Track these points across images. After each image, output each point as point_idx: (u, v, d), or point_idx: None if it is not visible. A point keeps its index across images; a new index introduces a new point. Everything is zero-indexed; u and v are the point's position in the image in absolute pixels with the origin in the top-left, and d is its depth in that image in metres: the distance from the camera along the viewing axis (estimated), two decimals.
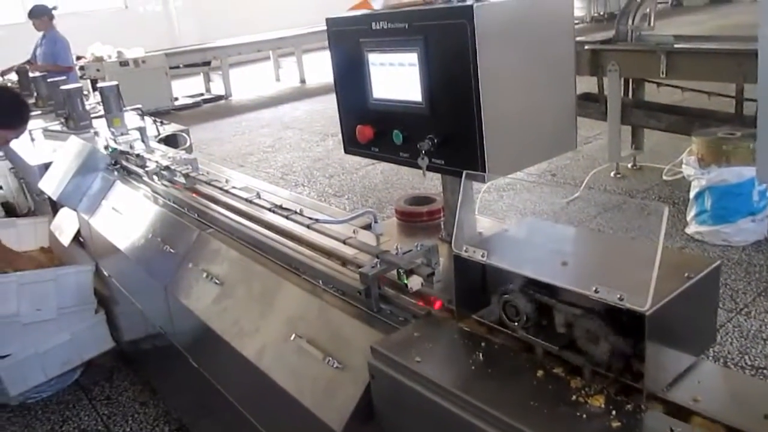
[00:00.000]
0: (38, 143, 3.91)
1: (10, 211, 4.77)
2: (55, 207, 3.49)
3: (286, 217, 1.90)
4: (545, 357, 1.22)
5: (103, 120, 3.68)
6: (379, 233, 1.78)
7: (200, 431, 2.69)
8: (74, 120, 3.94)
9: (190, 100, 11.42)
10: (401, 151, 1.63)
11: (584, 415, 1.07)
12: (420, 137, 1.53)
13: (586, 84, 5.36)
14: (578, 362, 1.16)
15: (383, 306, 1.57)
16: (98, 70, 9.55)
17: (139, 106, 3.97)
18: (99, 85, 3.93)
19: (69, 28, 8.09)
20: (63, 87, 4.17)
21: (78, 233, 3.24)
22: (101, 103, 3.79)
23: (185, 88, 12.02)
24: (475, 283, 1.37)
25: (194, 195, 2.53)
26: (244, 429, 1.85)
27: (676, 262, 1.17)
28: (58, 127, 4.06)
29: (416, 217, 1.96)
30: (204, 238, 2.24)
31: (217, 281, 2.03)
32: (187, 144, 3.65)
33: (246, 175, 3.24)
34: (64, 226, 3.34)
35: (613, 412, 1.07)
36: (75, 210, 3.12)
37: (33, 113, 4.02)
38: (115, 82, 3.75)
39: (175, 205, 2.58)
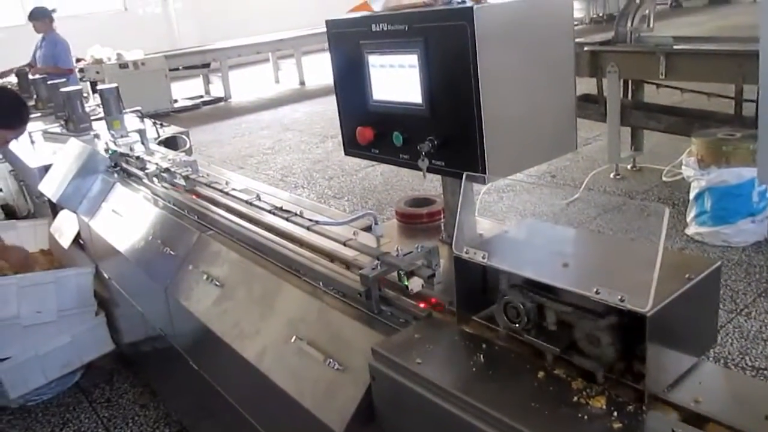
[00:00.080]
0: (38, 145, 3.91)
1: (10, 213, 4.77)
2: (55, 209, 3.49)
3: (287, 219, 1.91)
4: (546, 358, 1.22)
5: (103, 122, 3.69)
6: (379, 235, 1.78)
7: None
8: (74, 122, 3.94)
9: (189, 102, 11.41)
10: (401, 153, 1.64)
11: (585, 417, 1.07)
12: (420, 139, 1.53)
13: (586, 85, 5.36)
14: (579, 363, 1.16)
15: (384, 308, 1.57)
16: (98, 73, 9.54)
17: (139, 108, 3.97)
18: (99, 87, 3.93)
19: (69, 31, 8.09)
20: (63, 89, 4.18)
21: (78, 235, 3.23)
22: (101, 106, 3.80)
23: (185, 90, 12.02)
24: (476, 285, 1.37)
25: (194, 197, 2.53)
26: (245, 431, 1.85)
27: (677, 263, 1.17)
28: (58, 130, 4.06)
29: (416, 219, 1.97)
30: (204, 240, 2.24)
31: (217, 283, 2.03)
32: (187, 146, 3.65)
33: (246, 177, 3.25)
34: (64, 228, 3.34)
35: (615, 413, 1.07)
36: (75, 212, 3.12)
37: (33, 116, 4.02)
38: (114, 85, 3.75)
39: (175, 207, 2.58)
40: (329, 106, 9.44)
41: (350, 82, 1.71)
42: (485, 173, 1.44)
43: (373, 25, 1.58)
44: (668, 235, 4.21)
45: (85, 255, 3.19)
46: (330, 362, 1.48)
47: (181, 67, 11.58)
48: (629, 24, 5.12)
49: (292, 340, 1.61)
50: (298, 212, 1.90)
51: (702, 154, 4.10)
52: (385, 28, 1.55)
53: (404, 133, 1.60)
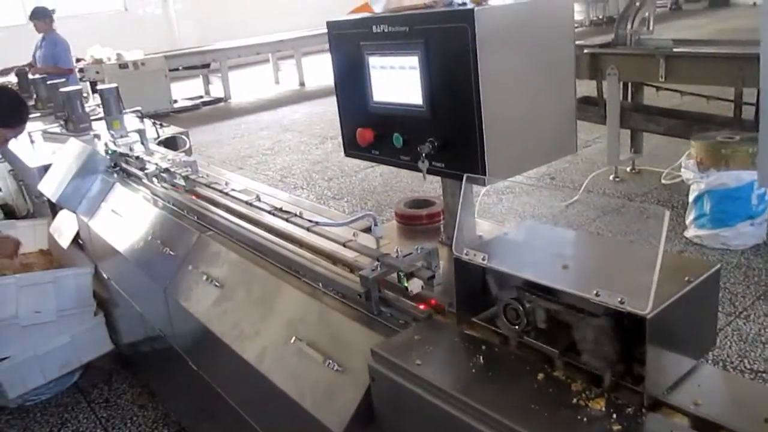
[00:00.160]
0: (38, 145, 3.90)
1: (9, 213, 4.77)
2: (54, 209, 3.49)
3: (286, 220, 1.91)
4: (546, 360, 1.22)
5: (103, 122, 3.69)
6: (379, 236, 1.78)
7: None
8: (74, 122, 3.94)
9: (189, 103, 11.41)
10: (401, 154, 1.64)
11: (585, 419, 1.07)
12: (420, 140, 1.53)
13: (586, 87, 5.37)
14: (578, 365, 1.16)
15: (383, 309, 1.57)
16: (98, 73, 9.54)
17: (139, 108, 3.97)
18: (99, 87, 3.93)
19: (69, 31, 8.09)
20: (62, 89, 4.17)
21: (77, 235, 3.23)
22: (101, 106, 3.80)
23: (184, 91, 12.03)
24: (476, 286, 1.37)
25: (194, 197, 2.53)
26: None
27: (676, 266, 1.18)
28: (58, 130, 4.06)
29: (416, 220, 1.97)
30: (204, 240, 2.24)
31: (216, 284, 2.03)
32: (187, 146, 3.65)
33: (245, 178, 3.24)
34: (64, 228, 3.34)
35: (614, 416, 1.07)
36: (74, 212, 3.12)
37: (32, 115, 4.03)
38: (114, 85, 3.75)
39: (175, 208, 2.58)
40: (329, 107, 9.45)
41: (351, 83, 1.71)
42: (485, 175, 1.44)
43: (374, 27, 1.58)
44: (667, 238, 4.18)
45: (85, 255, 3.19)
46: (329, 363, 1.48)
47: (180, 68, 11.58)
48: (629, 26, 5.13)
49: (292, 341, 1.61)
50: (297, 213, 1.90)
51: (701, 157, 4.10)
52: (386, 30, 1.56)
53: (404, 135, 1.60)
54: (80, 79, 8.70)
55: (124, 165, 3.06)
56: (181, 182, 2.57)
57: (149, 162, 2.81)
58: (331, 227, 1.81)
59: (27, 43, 7.93)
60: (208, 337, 1.93)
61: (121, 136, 3.43)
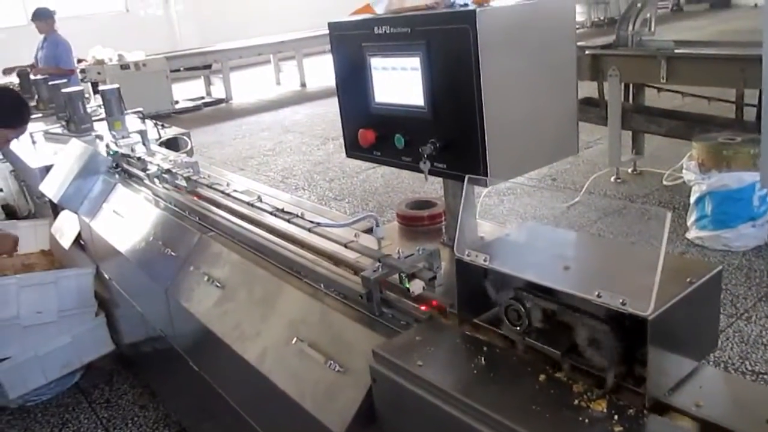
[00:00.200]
0: (39, 146, 3.91)
1: (11, 213, 4.77)
2: (55, 210, 3.50)
3: (288, 221, 1.91)
4: (547, 361, 1.22)
5: (104, 123, 3.69)
6: (380, 237, 1.78)
7: None
8: (75, 123, 3.94)
9: (190, 104, 11.43)
10: (403, 155, 1.64)
11: (586, 420, 1.07)
12: (422, 141, 1.53)
13: (587, 89, 5.37)
14: (580, 366, 1.16)
15: (385, 310, 1.57)
16: (99, 73, 9.55)
17: (140, 109, 3.98)
18: (100, 88, 3.93)
19: (70, 31, 8.10)
20: (64, 90, 4.18)
21: (79, 236, 3.24)
22: (102, 106, 3.80)
23: (186, 92, 12.04)
24: (477, 288, 1.37)
25: (195, 198, 2.53)
26: None
27: (678, 267, 1.18)
28: (59, 130, 4.07)
29: (417, 221, 1.97)
30: (205, 241, 2.24)
31: (218, 284, 2.03)
32: (188, 147, 3.66)
33: (247, 179, 3.25)
34: (65, 228, 3.34)
35: (615, 417, 1.07)
36: (76, 213, 3.12)
37: (34, 116, 4.03)
38: (116, 85, 3.75)
39: (176, 209, 2.59)
40: (330, 108, 9.45)
41: (352, 84, 1.71)
42: (487, 176, 1.44)
43: (376, 28, 1.58)
44: (669, 239, 4.17)
45: (86, 255, 3.19)
46: (331, 364, 1.48)
47: (182, 69, 11.60)
48: (630, 28, 5.13)
49: (293, 341, 1.62)
50: (299, 214, 1.90)
51: (703, 158, 4.10)
52: (388, 31, 1.56)
53: (406, 136, 1.60)
54: (81, 80, 8.71)
55: (125, 166, 3.06)
56: (183, 183, 2.57)
57: (151, 163, 2.81)
58: (333, 228, 1.81)
59: (28, 44, 7.94)
60: (210, 337, 1.93)
61: (123, 137, 3.44)
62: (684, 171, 4.32)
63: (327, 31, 1.73)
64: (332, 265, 1.80)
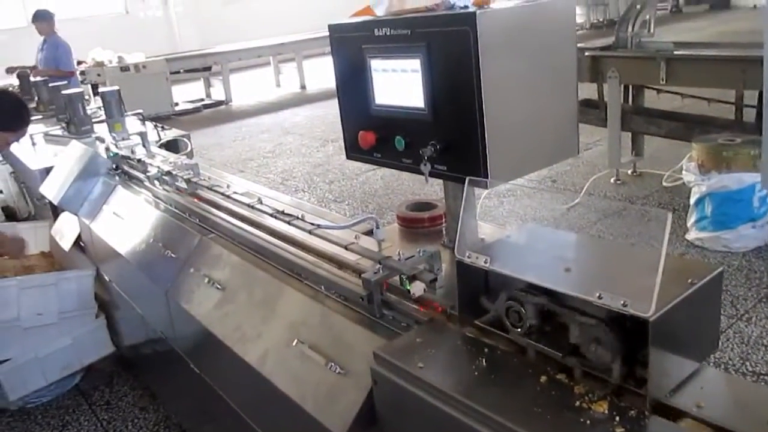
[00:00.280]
0: (39, 148, 3.91)
1: (11, 215, 4.77)
2: (55, 211, 3.50)
3: (288, 223, 1.91)
4: (548, 363, 1.22)
5: (104, 125, 3.69)
6: (380, 239, 1.78)
7: None
8: (75, 125, 3.94)
9: (190, 106, 11.43)
10: (403, 157, 1.64)
11: (588, 421, 1.07)
12: (422, 143, 1.53)
13: (586, 90, 5.37)
14: (581, 368, 1.16)
15: (386, 312, 1.57)
16: (99, 75, 9.56)
17: (140, 111, 3.98)
18: (100, 89, 3.94)
19: (70, 33, 8.12)
20: (64, 92, 4.18)
21: (79, 238, 3.24)
22: (102, 108, 3.80)
23: (186, 94, 12.04)
24: (478, 289, 1.37)
25: (195, 200, 2.53)
26: None
27: (679, 269, 1.18)
28: (59, 132, 4.07)
29: (418, 223, 1.97)
30: (205, 243, 2.24)
31: (218, 286, 2.03)
32: (188, 149, 3.66)
33: (247, 181, 3.25)
34: (65, 230, 3.34)
35: (617, 418, 1.07)
36: (76, 214, 3.12)
37: (34, 118, 4.02)
38: (116, 87, 3.76)
39: (177, 210, 2.59)
40: (330, 110, 9.46)
41: (352, 86, 1.71)
42: (488, 178, 1.44)
43: (376, 30, 1.58)
44: (668, 241, 4.18)
45: (86, 257, 3.19)
46: (331, 366, 1.48)
47: (182, 70, 11.61)
48: (630, 29, 5.14)
49: (294, 343, 1.61)
50: (299, 216, 1.90)
51: (702, 160, 4.11)
52: (388, 33, 1.56)
53: (406, 138, 1.60)
54: (81, 82, 8.71)
55: (125, 167, 3.06)
56: (183, 185, 2.57)
57: (151, 165, 2.81)
58: (333, 230, 1.81)
59: (28, 46, 7.95)
60: (210, 339, 1.93)
61: (123, 139, 3.44)
62: (684, 172, 4.32)
63: (327, 33, 1.73)
64: (333, 267, 1.79)
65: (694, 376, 1.17)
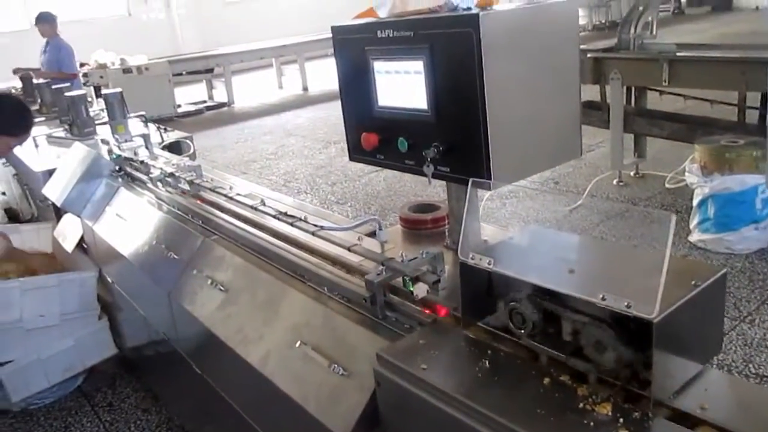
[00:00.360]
0: (42, 149, 3.92)
1: (13, 217, 4.78)
2: (58, 213, 3.50)
3: (291, 224, 1.91)
4: (552, 364, 1.22)
5: (107, 127, 3.70)
6: (383, 240, 1.78)
7: None
8: (78, 126, 3.95)
9: (193, 108, 11.45)
10: (406, 159, 1.64)
11: (591, 423, 1.07)
12: (425, 145, 1.53)
13: (589, 92, 5.37)
14: (585, 370, 1.16)
15: (389, 313, 1.57)
16: (102, 77, 9.58)
17: (143, 113, 3.98)
18: (103, 91, 3.94)
19: (73, 36, 8.13)
20: (67, 94, 4.18)
21: (81, 239, 3.24)
22: (105, 110, 3.80)
23: (188, 95, 12.06)
24: (481, 291, 1.37)
25: (198, 202, 2.54)
26: None
27: (682, 270, 1.17)
28: (62, 134, 4.08)
29: (421, 225, 1.97)
30: (208, 244, 2.25)
31: (221, 288, 2.03)
32: (191, 151, 3.66)
33: (249, 182, 3.25)
34: (68, 232, 3.35)
35: (621, 420, 1.07)
36: (79, 216, 3.12)
37: (37, 120, 4.03)
38: (119, 89, 3.76)
39: (179, 212, 2.59)
40: (332, 111, 9.47)
41: (355, 87, 1.71)
42: (491, 179, 1.44)
43: (379, 32, 1.58)
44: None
45: (89, 259, 3.20)
46: (334, 367, 1.48)
47: (184, 72, 11.63)
48: (632, 31, 5.13)
49: (297, 345, 1.61)
50: (302, 217, 1.90)
51: (705, 161, 4.10)
52: (391, 35, 1.56)
53: (409, 139, 1.60)
54: (84, 84, 8.73)
55: (128, 169, 3.06)
56: (186, 187, 2.58)
57: (154, 166, 2.82)
58: (336, 231, 1.81)
59: (31, 48, 7.97)
60: (213, 341, 1.93)
61: (126, 141, 3.44)
62: (686, 174, 4.31)
63: (329, 35, 1.74)
64: (335, 269, 1.80)
65: (697, 378, 1.17)
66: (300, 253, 1.93)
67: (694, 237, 4.22)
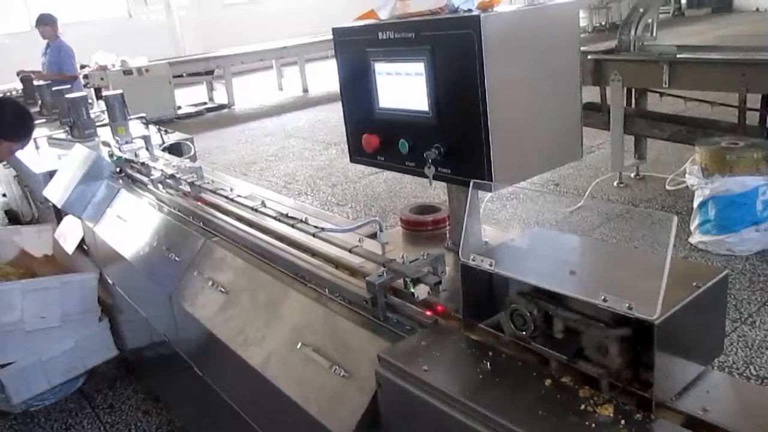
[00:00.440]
0: (43, 151, 3.92)
1: (14, 218, 4.79)
2: (59, 215, 3.50)
3: (292, 226, 1.91)
4: (553, 366, 1.22)
5: (108, 128, 3.70)
6: (384, 242, 1.78)
7: None
8: (79, 128, 3.95)
9: (193, 109, 11.46)
10: (407, 160, 1.64)
11: (593, 425, 1.07)
12: (426, 146, 1.54)
13: (589, 93, 5.37)
14: (587, 371, 1.16)
15: (390, 315, 1.57)
16: (102, 79, 9.59)
17: (143, 114, 3.99)
18: (104, 93, 3.95)
19: (73, 37, 8.14)
20: (68, 95, 4.19)
21: (82, 241, 3.24)
22: (106, 112, 3.81)
23: (188, 97, 12.07)
24: (482, 292, 1.37)
25: (199, 203, 2.53)
26: None
27: (683, 272, 1.17)
28: (63, 135, 4.08)
29: (422, 226, 1.97)
30: (209, 246, 2.25)
31: (222, 289, 2.03)
32: (192, 152, 3.66)
33: (250, 184, 3.25)
34: (69, 233, 3.35)
35: (622, 422, 1.07)
36: (79, 218, 3.13)
37: (38, 121, 4.04)
38: (119, 91, 3.76)
39: (180, 214, 2.59)
40: (332, 113, 9.47)
41: (356, 89, 1.71)
42: (492, 181, 1.44)
43: (380, 33, 1.58)
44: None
45: (89, 260, 3.20)
46: (336, 369, 1.48)
47: (185, 74, 11.64)
48: (632, 33, 5.14)
49: (298, 346, 1.61)
50: (303, 219, 1.90)
51: (706, 163, 4.10)
52: (392, 36, 1.56)
53: (410, 141, 1.61)
54: (85, 86, 8.73)
55: (129, 171, 3.07)
56: (187, 188, 2.58)
57: (154, 168, 2.82)
58: (337, 233, 1.81)
59: (31, 50, 7.97)
60: (214, 342, 1.93)
61: (126, 142, 3.44)
62: (687, 175, 4.31)
63: (329, 37, 1.74)
64: (336, 270, 1.80)
65: (699, 380, 1.17)
66: (301, 255, 1.93)
67: (695, 239, 4.22)
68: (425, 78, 1.50)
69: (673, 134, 4.99)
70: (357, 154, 1.80)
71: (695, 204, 4.21)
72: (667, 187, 5.23)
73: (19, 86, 6.86)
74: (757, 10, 18.14)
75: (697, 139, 4.42)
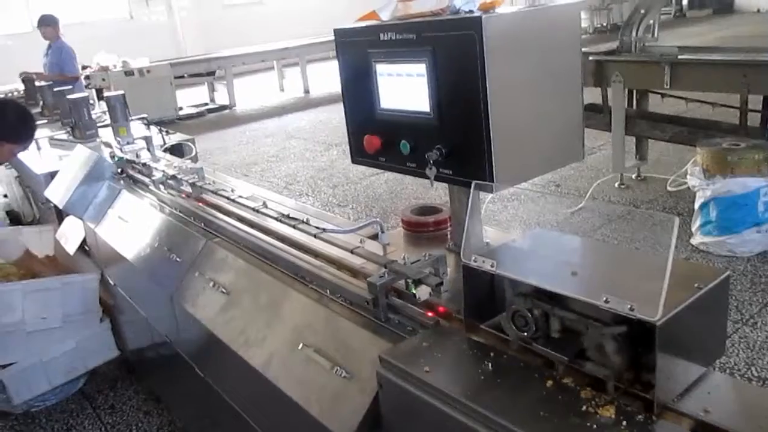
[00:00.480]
0: (44, 152, 3.93)
1: (15, 219, 4.79)
2: (60, 215, 3.51)
3: (293, 227, 1.91)
4: (554, 367, 1.22)
5: (109, 129, 3.70)
6: (386, 243, 1.78)
7: None
8: (80, 129, 3.96)
9: (194, 110, 11.47)
10: (408, 161, 1.64)
11: (594, 426, 1.07)
12: (428, 147, 1.54)
13: (590, 95, 5.37)
14: (590, 372, 1.16)
15: (391, 315, 1.57)
16: (104, 80, 9.60)
17: (145, 115, 3.99)
18: (105, 94, 3.95)
19: (74, 38, 8.15)
20: (69, 96, 4.19)
21: (84, 242, 3.24)
22: (107, 113, 3.81)
23: (190, 98, 12.08)
24: (484, 293, 1.37)
25: (200, 204, 2.54)
26: None
27: (685, 273, 1.17)
28: (64, 136, 4.09)
29: (423, 227, 1.97)
30: (210, 247, 2.25)
31: (223, 290, 2.03)
32: (193, 153, 3.67)
33: (251, 185, 3.25)
34: (70, 234, 3.35)
35: (624, 423, 1.07)
36: (81, 218, 3.13)
37: (39, 122, 4.04)
38: (121, 92, 3.77)
39: (181, 214, 2.59)
40: (334, 114, 9.48)
41: (358, 90, 1.71)
42: (493, 182, 1.44)
43: (382, 34, 1.58)
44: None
45: (91, 261, 3.20)
46: (337, 370, 1.48)
47: (186, 75, 11.65)
48: (634, 34, 5.13)
49: (299, 347, 1.61)
50: (304, 220, 1.90)
51: (707, 164, 4.10)
52: (394, 37, 1.56)
53: (412, 142, 1.61)
54: (86, 86, 8.75)
55: (130, 172, 3.07)
56: (188, 189, 2.58)
57: (156, 169, 2.82)
58: (338, 234, 1.81)
59: (33, 51, 7.98)
60: (215, 343, 1.93)
61: (128, 143, 3.45)
62: (688, 177, 4.31)
63: (330, 38, 1.74)
64: (338, 271, 1.80)
65: (700, 381, 1.17)
66: (302, 256, 1.93)
67: (696, 240, 4.22)
68: (427, 79, 1.50)
69: (674, 135, 4.99)
70: (358, 155, 1.80)
71: (696, 205, 4.21)
72: (669, 189, 5.23)
73: (21, 87, 6.88)
74: (759, 11, 18.15)
75: (698, 140, 4.42)
